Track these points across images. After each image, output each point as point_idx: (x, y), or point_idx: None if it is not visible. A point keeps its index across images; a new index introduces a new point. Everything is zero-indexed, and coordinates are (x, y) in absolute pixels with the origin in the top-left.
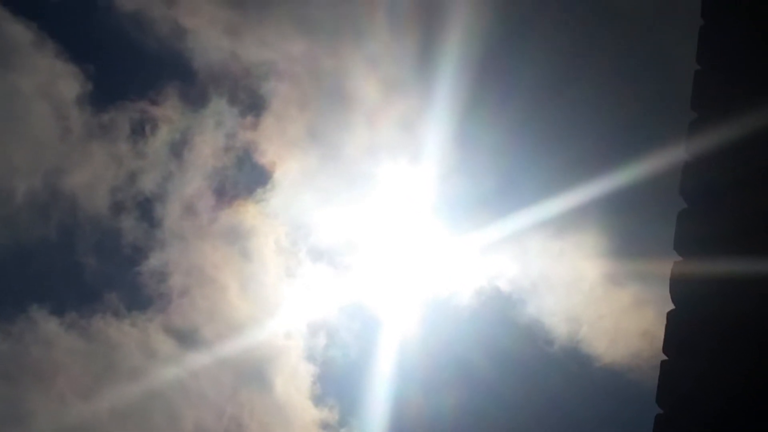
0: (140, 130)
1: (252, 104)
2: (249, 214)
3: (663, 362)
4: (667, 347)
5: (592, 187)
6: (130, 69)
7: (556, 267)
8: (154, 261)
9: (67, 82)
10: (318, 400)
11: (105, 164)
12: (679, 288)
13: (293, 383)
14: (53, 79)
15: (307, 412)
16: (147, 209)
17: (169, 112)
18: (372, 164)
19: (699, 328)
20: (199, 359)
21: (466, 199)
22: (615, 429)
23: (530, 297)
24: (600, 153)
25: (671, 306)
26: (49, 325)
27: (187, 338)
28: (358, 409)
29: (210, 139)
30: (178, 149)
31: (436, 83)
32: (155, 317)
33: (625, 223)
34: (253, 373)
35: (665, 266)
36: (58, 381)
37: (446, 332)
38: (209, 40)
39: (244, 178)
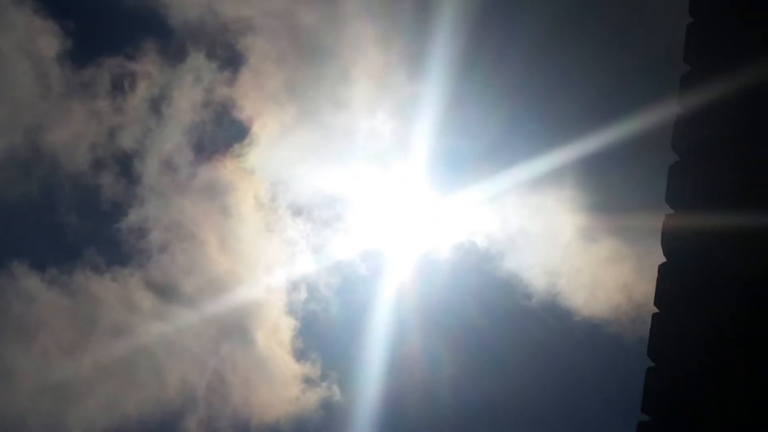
0: (119, 86)
1: (230, 60)
2: (228, 169)
3: (654, 315)
4: (658, 300)
5: (572, 145)
6: (109, 25)
7: (534, 222)
8: (133, 217)
9: (46, 39)
10: (300, 354)
11: (84, 121)
12: (670, 241)
13: (274, 338)
14: (32, 36)
15: (288, 366)
16: (126, 165)
17: (147, 68)
18: (350, 119)
19: (690, 281)
20: (180, 314)
21: (446, 155)
22: (596, 381)
23: (509, 252)
24: (588, 111)
25: (651, 260)
26: (30, 281)
27: (167, 294)
28: (340, 364)
29: (188, 95)
30: (157, 105)
31: (418, 39)
32: (135, 273)
33: (603, 180)
34: (234, 329)
35: (641, 221)
36: (40, 336)
37: (426, 287)
38: None
39: (223, 133)
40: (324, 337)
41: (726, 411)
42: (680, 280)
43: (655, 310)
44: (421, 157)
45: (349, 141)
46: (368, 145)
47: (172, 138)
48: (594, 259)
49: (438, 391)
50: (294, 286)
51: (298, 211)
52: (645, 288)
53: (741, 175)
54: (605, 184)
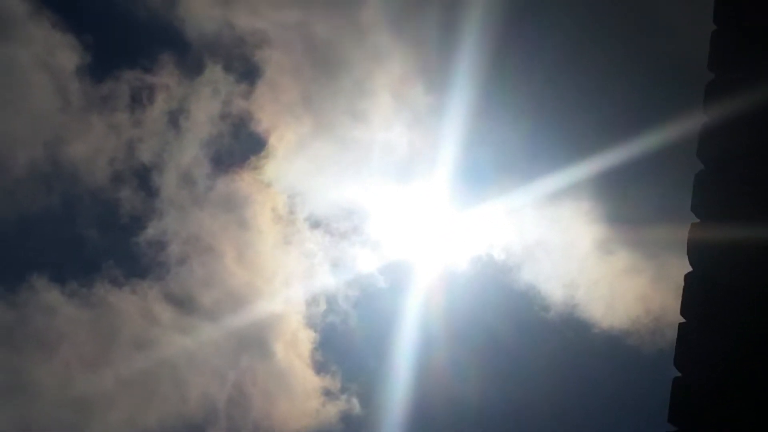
0: (138, 99)
1: (247, 72)
2: (245, 182)
3: (681, 324)
4: (684, 310)
5: (591, 157)
6: (126, 39)
7: (552, 235)
8: (152, 230)
9: (64, 52)
10: (319, 367)
11: (103, 134)
12: (696, 250)
13: (294, 351)
14: (50, 50)
15: (308, 379)
16: (145, 178)
17: (165, 81)
18: (367, 132)
19: (716, 290)
20: (199, 327)
21: (465, 168)
22: (614, 393)
23: (527, 264)
24: (607, 124)
25: (668, 271)
26: (50, 294)
27: (186, 306)
28: (359, 376)
29: (206, 108)
30: (174, 118)
31: (435, 50)
32: (154, 286)
33: (620, 192)
34: (253, 341)
35: (658, 233)
36: (60, 349)
37: (445, 300)
38: (203, 9)
39: (240, 146)
40: (343, 350)
41: (754, 421)
42: (706, 290)
43: (682, 319)
44: (439, 169)
45: (366, 153)
46: (386, 158)
47: (189, 151)
48: (611, 270)
49: (458, 403)
50: (313, 299)
51: (316, 224)
52: (663, 300)
53: (766, 186)
54: (622, 197)
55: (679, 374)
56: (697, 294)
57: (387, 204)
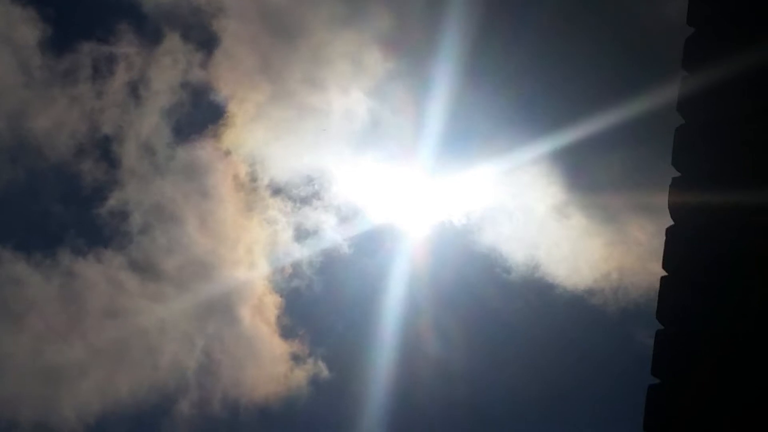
0: (98, 71)
1: (205, 41)
2: (206, 150)
3: (663, 278)
4: (666, 263)
5: (550, 128)
6: (86, 11)
7: (514, 200)
8: (114, 200)
9: (25, 27)
10: (286, 332)
11: (65, 107)
12: (677, 204)
13: (260, 317)
14: (11, 25)
15: (275, 344)
16: (106, 149)
17: (125, 52)
18: (325, 98)
19: (698, 244)
20: (164, 296)
21: (425, 134)
22: (580, 353)
23: (489, 228)
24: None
25: (626, 234)
26: (16, 265)
27: (151, 275)
28: (326, 340)
29: (165, 77)
30: (134, 88)
31: (393, 16)
32: (118, 255)
33: (579, 159)
34: (219, 309)
35: (607, 199)
36: (26, 320)
37: (407, 264)
38: None
39: (200, 114)
40: (309, 315)
41: (736, 371)
42: (687, 243)
43: (663, 273)
44: (399, 136)
45: (325, 120)
46: (345, 125)
47: (150, 120)
48: (568, 234)
49: (423, 365)
50: (277, 265)
51: (277, 191)
52: (623, 261)
53: (746, 141)
54: (582, 164)
55: (661, 327)
56: (678, 247)
57: (348, 170)
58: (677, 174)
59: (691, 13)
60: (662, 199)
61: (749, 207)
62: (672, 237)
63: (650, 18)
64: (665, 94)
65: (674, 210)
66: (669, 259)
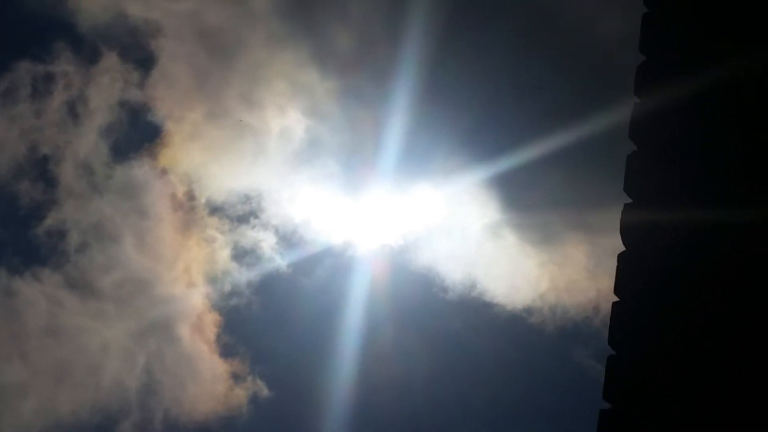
0: (35, 91)
1: (142, 61)
2: (143, 169)
3: (614, 303)
4: (618, 288)
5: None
6: (20, 30)
7: (449, 218)
8: (51, 220)
9: None
10: (225, 350)
11: (2, 125)
12: (629, 230)
13: (199, 336)
14: None
15: (215, 363)
16: (44, 168)
17: (62, 71)
18: (263, 118)
19: (648, 270)
20: (103, 315)
21: (362, 153)
22: (521, 370)
23: (423, 247)
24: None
25: (566, 254)
26: None
27: (90, 294)
28: (265, 358)
29: (102, 96)
30: (72, 107)
31: (321, 39)
32: (55, 274)
33: (515, 179)
34: (158, 328)
35: (539, 217)
36: None
37: (342, 283)
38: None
39: (138, 133)
40: (248, 333)
41: (687, 397)
42: (639, 269)
43: (615, 298)
44: (336, 155)
45: (262, 139)
46: (282, 144)
47: (88, 139)
48: (502, 253)
49: (362, 381)
50: (215, 283)
51: (214, 209)
52: (565, 281)
53: (698, 166)
54: (520, 185)
55: (613, 352)
56: (630, 273)
57: (285, 189)
58: (629, 200)
59: (643, 40)
60: (597, 218)
61: (701, 230)
62: (624, 262)
63: (604, 41)
64: (605, 120)
65: (626, 235)
66: (621, 285)
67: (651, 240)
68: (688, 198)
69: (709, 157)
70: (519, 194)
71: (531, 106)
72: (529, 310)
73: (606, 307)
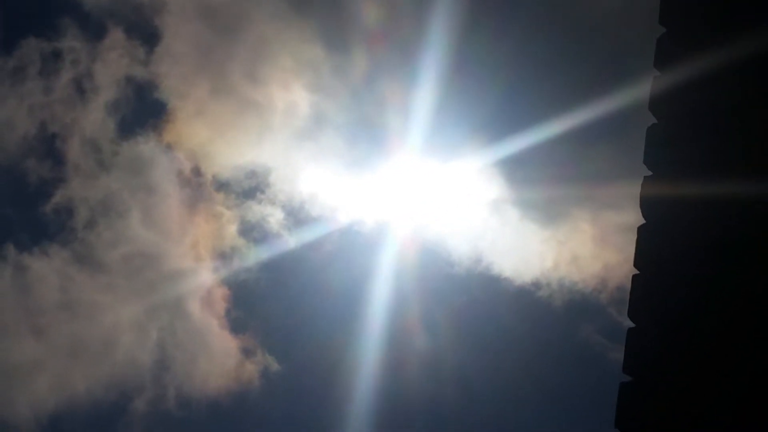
0: (43, 68)
1: (148, 37)
2: (149, 146)
3: (634, 276)
4: (638, 261)
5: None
6: (26, 8)
7: (453, 195)
8: (59, 197)
9: None
10: (236, 324)
11: (8, 105)
12: (648, 203)
13: (209, 311)
14: None
15: (225, 338)
16: (52, 145)
17: (67, 47)
18: (268, 93)
19: (669, 242)
20: (113, 292)
21: (370, 128)
22: (530, 344)
23: (430, 224)
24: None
25: (577, 228)
26: None
27: (100, 271)
28: (275, 333)
29: (109, 73)
30: (78, 85)
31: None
32: (65, 250)
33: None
34: (168, 303)
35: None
36: None
37: (349, 258)
38: None
39: (144, 110)
40: (256, 308)
41: (708, 369)
42: (658, 241)
43: (635, 271)
44: (343, 129)
45: (268, 115)
46: (287, 119)
47: (94, 116)
48: (507, 228)
49: (367, 354)
50: (224, 259)
51: (221, 185)
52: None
53: (718, 139)
54: (525, 160)
55: (633, 325)
56: (649, 245)
57: (292, 165)
58: (648, 173)
59: (663, 12)
60: (605, 192)
61: (721, 203)
62: (643, 235)
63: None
64: (628, 95)
65: (646, 208)
66: (640, 257)
67: (671, 212)
68: (708, 170)
69: (730, 130)
70: (527, 171)
71: (539, 88)
72: (537, 284)
73: (616, 281)
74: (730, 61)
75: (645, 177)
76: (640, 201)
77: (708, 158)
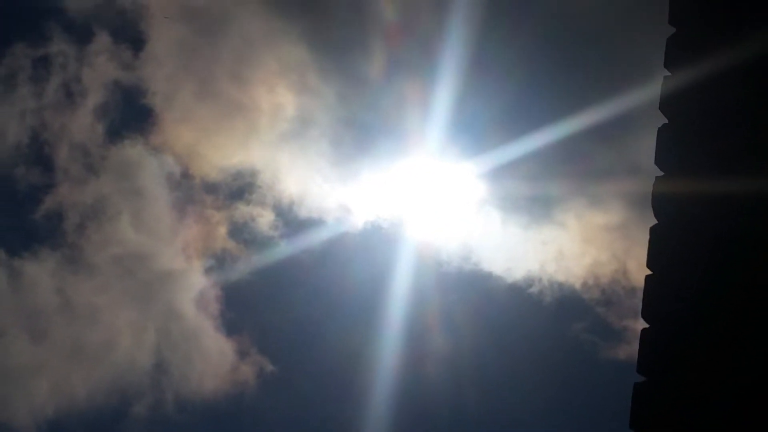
0: (31, 74)
1: (133, 41)
2: (137, 149)
3: (647, 276)
4: (651, 262)
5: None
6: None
7: (438, 193)
8: (49, 201)
9: None
10: (229, 326)
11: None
12: (660, 203)
13: (202, 313)
14: None
15: (220, 339)
16: (40, 149)
17: (53, 51)
18: (254, 95)
19: (681, 242)
20: (107, 292)
21: (356, 129)
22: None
23: (418, 223)
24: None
25: (557, 228)
26: None
27: (92, 274)
28: (268, 334)
29: (95, 77)
30: (66, 89)
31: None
32: (56, 254)
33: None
34: (162, 305)
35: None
36: None
37: (339, 259)
38: None
39: (132, 113)
40: (250, 309)
41: (722, 369)
42: (670, 242)
43: (648, 271)
44: (329, 130)
45: (254, 116)
46: (273, 121)
47: (82, 121)
48: (494, 226)
49: (361, 354)
50: (214, 260)
51: (210, 187)
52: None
53: (729, 139)
54: (518, 158)
55: (646, 325)
56: (661, 246)
57: (280, 166)
58: (660, 173)
59: (672, 12)
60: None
61: (732, 203)
62: (656, 235)
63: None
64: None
65: (658, 208)
66: (653, 258)
67: (683, 212)
68: (720, 170)
69: (740, 129)
70: (518, 168)
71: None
72: (529, 281)
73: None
74: (739, 61)
75: (656, 177)
76: (652, 201)
77: (719, 158)
